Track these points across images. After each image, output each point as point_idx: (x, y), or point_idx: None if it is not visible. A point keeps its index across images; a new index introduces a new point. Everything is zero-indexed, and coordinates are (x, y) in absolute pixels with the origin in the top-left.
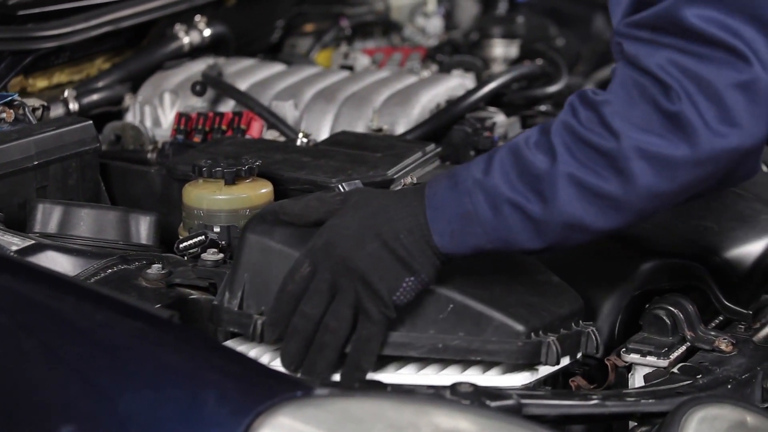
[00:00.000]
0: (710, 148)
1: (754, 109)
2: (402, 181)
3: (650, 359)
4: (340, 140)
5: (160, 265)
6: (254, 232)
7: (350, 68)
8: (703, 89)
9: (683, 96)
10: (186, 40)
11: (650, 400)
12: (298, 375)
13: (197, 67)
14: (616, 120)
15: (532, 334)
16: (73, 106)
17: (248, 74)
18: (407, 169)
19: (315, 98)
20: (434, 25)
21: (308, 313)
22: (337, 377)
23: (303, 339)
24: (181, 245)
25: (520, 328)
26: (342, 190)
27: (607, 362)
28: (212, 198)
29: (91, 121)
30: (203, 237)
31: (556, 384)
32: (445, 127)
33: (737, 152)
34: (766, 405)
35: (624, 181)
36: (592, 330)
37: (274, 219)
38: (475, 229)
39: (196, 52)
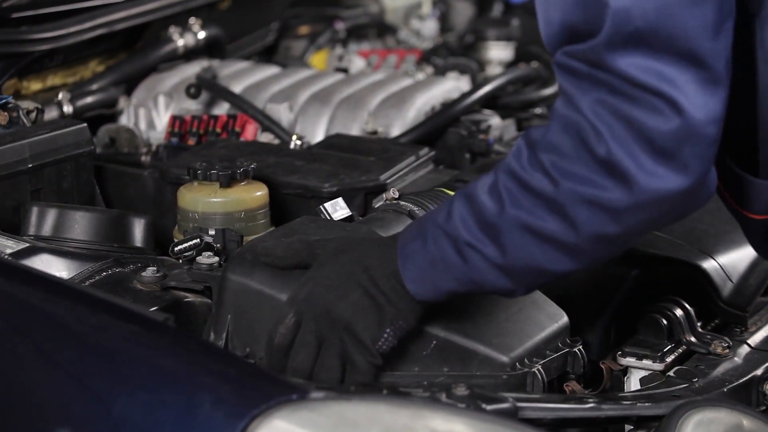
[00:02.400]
0: (649, 192)
1: (689, 149)
2: (383, 195)
3: (646, 363)
4: (333, 143)
5: (154, 268)
6: (234, 273)
7: (345, 71)
8: (635, 132)
9: (615, 141)
10: (180, 42)
11: (646, 404)
12: None
13: (191, 70)
14: (553, 165)
15: (517, 363)
16: (68, 108)
17: (243, 77)
18: (400, 173)
19: (310, 101)
20: (429, 27)
21: (298, 369)
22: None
23: None
24: (176, 248)
25: (504, 359)
26: (324, 211)
27: (602, 366)
28: (207, 201)
29: (85, 124)
30: (198, 240)
31: (551, 388)
32: (440, 130)
33: (680, 193)
34: (762, 408)
35: (568, 226)
36: (578, 349)
37: (254, 258)
38: (444, 275)
39: (190, 54)
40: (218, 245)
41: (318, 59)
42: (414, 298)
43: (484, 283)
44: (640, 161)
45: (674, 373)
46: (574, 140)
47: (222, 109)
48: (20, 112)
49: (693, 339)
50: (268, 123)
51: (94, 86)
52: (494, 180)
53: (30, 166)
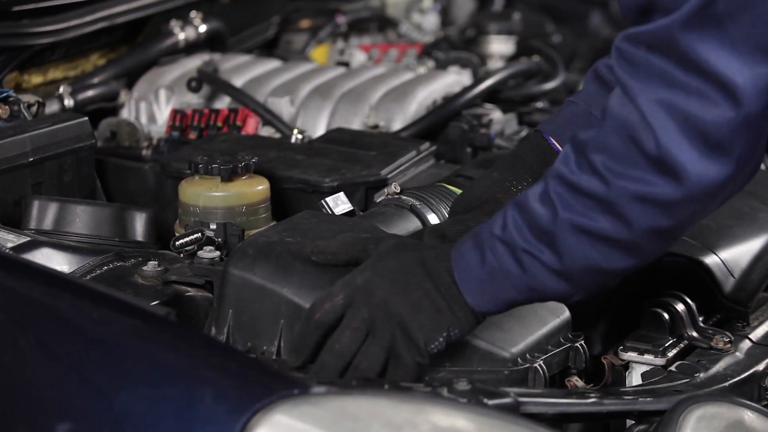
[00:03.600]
0: (701, 185)
1: (742, 140)
2: (385, 190)
3: (648, 357)
4: (334, 137)
5: (156, 262)
6: (236, 268)
7: (346, 64)
8: (688, 127)
9: (665, 136)
10: (181, 36)
11: (648, 399)
12: None
13: (192, 64)
14: (603, 165)
15: (519, 359)
16: (69, 102)
17: (244, 70)
18: (401, 168)
19: (311, 95)
20: (430, 21)
21: (339, 351)
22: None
23: (331, 375)
24: (177, 242)
25: (506, 355)
26: (325, 206)
27: (604, 361)
28: (208, 195)
29: (86, 118)
30: (199, 234)
31: (552, 383)
32: (441, 124)
33: (730, 181)
34: (763, 403)
35: (621, 223)
36: (580, 344)
37: (255, 253)
38: (503, 284)
39: (191, 48)
40: (219, 239)
41: (319, 53)
42: (473, 309)
43: (543, 290)
44: (691, 155)
45: (676, 368)
46: (624, 138)
47: (223, 102)
48: (21, 105)
49: (694, 334)
50: (269, 117)
51: (95, 80)
52: (544, 187)
53: (31, 159)
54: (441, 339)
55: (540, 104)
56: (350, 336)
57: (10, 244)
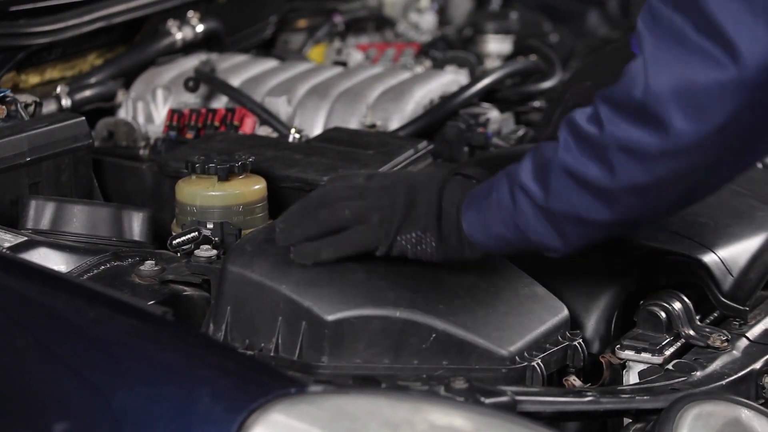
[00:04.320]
0: (680, 142)
1: (727, 104)
2: None
3: (645, 356)
4: (332, 137)
5: (153, 262)
6: (234, 265)
7: (343, 64)
8: (681, 83)
9: (657, 85)
10: (179, 35)
11: (645, 397)
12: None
13: (190, 63)
14: (603, 113)
15: (517, 357)
16: (66, 102)
17: (241, 70)
18: (399, 166)
19: (308, 94)
20: (428, 20)
21: (327, 192)
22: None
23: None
24: (174, 241)
25: (504, 353)
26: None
27: (601, 359)
28: (205, 194)
29: (83, 118)
30: (196, 233)
31: (550, 381)
32: (438, 123)
33: (710, 144)
34: (761, 401)
35: (606, 171)
36: (578, 342)
37: (254, 250)
38: (495, 215)
39: (188, 47)
40: (216, 238)
41: (316, 53)
42: (467, 238)
43: (527, 230)
44: (676, 110)
45: (673, 366)
46: (624, 85)
47: (220, 102)
48: (18, 105)
49: (692, 332)
50: (266, 116)
51: (93, 80)
52: (561, 130)
53: (28, 159)
54: (413, 235)
55: (537, 103)
56: (344, 189)
57: (7, 244)
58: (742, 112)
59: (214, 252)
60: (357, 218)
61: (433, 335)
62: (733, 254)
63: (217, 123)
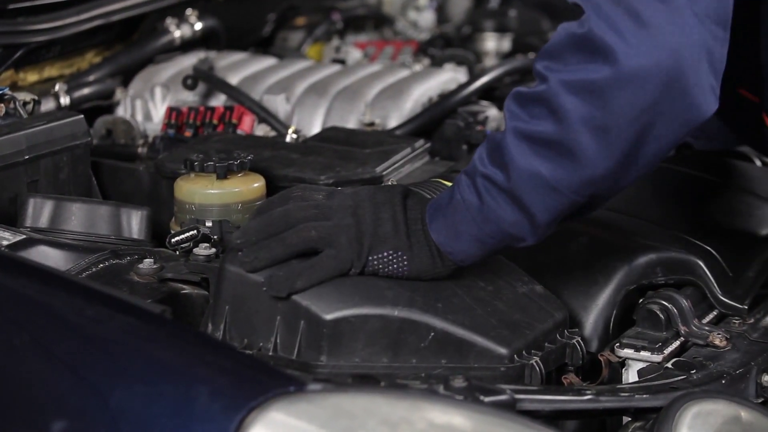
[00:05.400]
0: (629, 65)
1: (670, 26)
2: (390, 179)
3: (644, 354)
4: (329, 136)
5: (151, 260)
6: (233, 264)
7: (342, 62)
8: (622, 10)
9: (595, 15)
10: (177, 33)
11: (644, 396)
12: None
13: (188, 61)
14: (544, 67)
15: (515, 356)
16: (64, 100)
17: (239, 68)
18: (396, 165)
19: (307, 92)
20: (426, 18)
21: (288, 211)
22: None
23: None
24: (173, 240)
25: (502, 351)
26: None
27: (600, 357)
28: (204, 192)
29: (82, 116)
30: (195, 231)
31: (549, 380)
32: (437, 121)
33: (660, 68)
34: (760, 400)
35: (558, 120)
36: (577, 341)
37: None
38: (463, 216)
39: (187, 45)
40: (215, 237)
41: (315, 51)
42: (438, 250)
43: (498, 221)
44: (620, 34)
45: (672, 364)
46: (562, 34)
47: (219, 100)
48: (17, 103)
49: (691, 331)
50: (264, 114)
51: (91, 77)
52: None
53: (27, 157)
54: (385, 254)
55: None
56: (307, 209)
57: (5, 242)
58: (687, 37)
59: (213, 250)
60: (324, 240)
61: (432, 334)
62: (731, 252)
63: (215, 121)
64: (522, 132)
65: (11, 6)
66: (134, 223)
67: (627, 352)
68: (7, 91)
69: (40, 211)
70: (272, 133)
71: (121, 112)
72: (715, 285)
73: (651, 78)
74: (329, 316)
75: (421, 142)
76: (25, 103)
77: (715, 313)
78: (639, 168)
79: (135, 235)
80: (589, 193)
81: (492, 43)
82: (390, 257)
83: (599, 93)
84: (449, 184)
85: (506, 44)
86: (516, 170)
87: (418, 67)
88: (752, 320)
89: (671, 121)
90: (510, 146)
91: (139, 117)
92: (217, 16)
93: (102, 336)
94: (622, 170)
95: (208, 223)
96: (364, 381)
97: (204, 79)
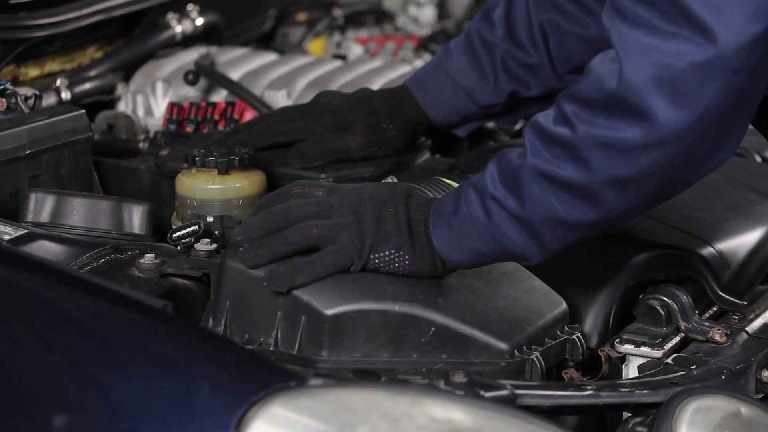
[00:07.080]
0: (661, 130)
1: (706, 88)
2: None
3: (644, 350)
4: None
5: (153, 255)
6: (233, 260)
7: (343, 57)
8: (658, 68)
9: (632, 73)
10: (178, 29)
11: (644, 391)
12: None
13: (189, 56)
14: (572, 113)
15: (516, 351)
16: (66, 95)
17: (241, 63)
18: (395, 161)
19: (308, 87)
20: (427, 14)
21: (288, 208)
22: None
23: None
24: (174, 235)
25: (503, 346)
26: None
27: (601, 353)
28: (205, 187)
29: (83, 111)
30: (197, 226)
31: (549, 375)
32: None
33: (692, 132)
34: (760, 396)
35: (583, 169)
36: (577, 336)
37: None
38: (469, 230)
39: (188, 41)
40: (217, 232)
41: (316, 46)
42: (440, 255)
43: (504, 241)
44: (656, 98)
45: (672, 360)
46: (593, 82)
47: (220, 95)
48: (18, 98)
49: (691, 326)
50: (266, 110)
51: (92, 72)
52: (524, 137)
53: (28, 152)
54: (387, 253)
55: None
56: (308, 206)
57: (7, 237)
58: (718, 97)
59: (214, 246)
60: (326, 238)
61: (432, 329)
62: (731, 248)
63: (216, 116)
64: (542, 171)
65: (13, 1)
66: (135, 218)
67: (627, 348)
68: (8, 85)
69: (41, 206)
70: None
71: (123, 107)
72: (715, 281)
73: (684, 137)
74: (330, 311)
75: (421, 138)
76: (26, 98)
77: (714, 308)
78: (654, 206)
79: (136, 230)
80: (603, 229)
81: None
82: (392, 256)
83: (627, 152)
84: (451, 182)
85: None
86: (531, 204)
87: (418, 63)
88: (752, 316)
89: (695, 169)
90: (528, 181)
91: (141, 112)
92: (218, 11)
93: (103, 330)
94: (638, 212)
95: (210, 218)
96: (365, 376)
97: (205, 74)
